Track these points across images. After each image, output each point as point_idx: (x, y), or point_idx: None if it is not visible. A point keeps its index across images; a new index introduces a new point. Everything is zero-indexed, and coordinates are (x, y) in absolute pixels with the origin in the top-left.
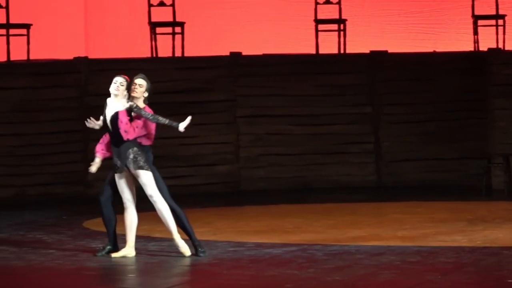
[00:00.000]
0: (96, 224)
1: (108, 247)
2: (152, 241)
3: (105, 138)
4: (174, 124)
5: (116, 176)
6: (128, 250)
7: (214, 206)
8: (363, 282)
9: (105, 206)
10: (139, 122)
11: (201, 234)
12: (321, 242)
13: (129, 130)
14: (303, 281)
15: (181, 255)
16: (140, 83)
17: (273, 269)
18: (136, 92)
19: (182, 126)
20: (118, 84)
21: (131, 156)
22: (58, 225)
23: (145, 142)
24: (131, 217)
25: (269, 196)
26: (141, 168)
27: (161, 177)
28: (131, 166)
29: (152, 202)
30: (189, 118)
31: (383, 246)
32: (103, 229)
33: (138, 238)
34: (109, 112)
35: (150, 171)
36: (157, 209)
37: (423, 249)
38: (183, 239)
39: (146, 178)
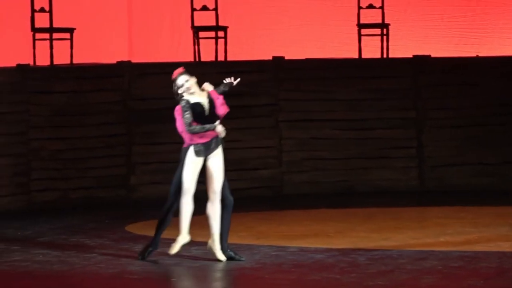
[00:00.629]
0: (138, 228)
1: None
2: (195, 245)
3: None
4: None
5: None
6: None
7: (257, 210)
8: (406, 287)
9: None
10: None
11: (243, 238)
12: (363, 246)
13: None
14: (346, 286)
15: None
16: (188, 77)
17: (316, 274)
18: (192, 85)
19: (219, 128)
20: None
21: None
22: (100, 229)
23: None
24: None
25: (312, 201)
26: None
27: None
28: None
29: (213, 198)
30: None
31: (426, 251)
32: (146, 232)
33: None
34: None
35: None
36: (213, 207)
37: (465, 254)
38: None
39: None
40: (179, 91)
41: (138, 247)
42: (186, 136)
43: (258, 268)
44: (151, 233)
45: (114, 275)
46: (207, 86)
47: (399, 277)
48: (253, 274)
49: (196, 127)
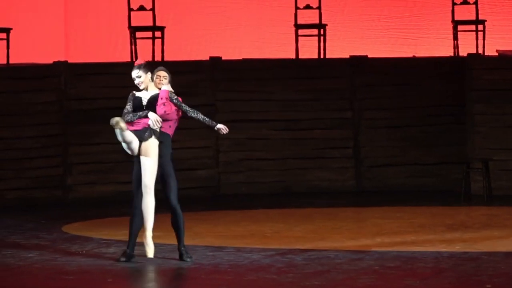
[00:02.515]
0: (75, 229)
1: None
2: None
3: None
4: (213, 123)
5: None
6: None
7: (194, 211)
8: (342, 287)
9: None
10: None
11: None
12: (300, 247)
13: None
14: (282, 286)
15: (146, 258)
16: (164, 75)
17: (252, 274)
18: (163, 84)
19: (219, 126)
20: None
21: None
22: (37, 229)
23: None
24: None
25: (249, 201)
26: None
27: (174, 173)
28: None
29: (143, 192)
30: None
31: (362, 251)
32: (83, 233)
33: (117, 242)
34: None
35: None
36: (144, 201)
37: (402, 254)
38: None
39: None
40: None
41: (75, 248)
42: None
43: (194, 268)
44: (87, 233)
45: (51, 275)
46: (164, 86)
47: (336, 277)
48: (190, 274)
49: (129, 115)
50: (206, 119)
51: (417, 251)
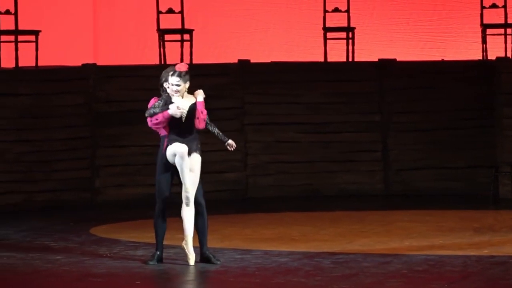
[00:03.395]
0: (103, 231)
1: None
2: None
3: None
4: (225, 138)
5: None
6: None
7: (222, 214)
8: None
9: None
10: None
11: (208, 241)
12: (328, 250)
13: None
14: None
15: (186, 263)
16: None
17: (280, 277)
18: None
19: (230, 142)
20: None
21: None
22: (65, 231)
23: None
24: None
25: (277, 204)
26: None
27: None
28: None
29: (186, 203)
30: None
31: (390, 255)
32: (110, 235)
33: (145, 244)
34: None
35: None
36: (188, 210)
37: (430, 257)
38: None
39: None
40: (165, 85)
41: (103, 250)
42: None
43: (222, 271)
44: (115, 235)
45: (78, 277)
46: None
47: (364, 280)
48: (218, 277)
49: (150, 109)
50: (220, 133)
51: (445, 254)
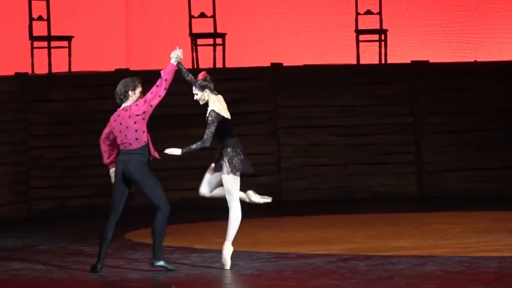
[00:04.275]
0: (138, 236)
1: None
2: (194, 253)
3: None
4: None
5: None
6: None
7: (256, 217)
8: None
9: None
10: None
11: (243, 245)
12: (363, 252)
13: None
14: None
15: (221, 267)
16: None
17: (315, 280)
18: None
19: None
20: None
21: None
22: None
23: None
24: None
25: (311, 207)
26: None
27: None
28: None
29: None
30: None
31: (425, 257)
32: (145, 240)
33: (180, 249)
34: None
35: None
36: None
37: (465, 259)
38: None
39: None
40: (129, 93)
41: (138, 255)
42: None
43: (257, 275)
44: (150, 240)
45: (114, 283)
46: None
47: (399, 282)
48: (253, 281)
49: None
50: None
51: (480, 256)
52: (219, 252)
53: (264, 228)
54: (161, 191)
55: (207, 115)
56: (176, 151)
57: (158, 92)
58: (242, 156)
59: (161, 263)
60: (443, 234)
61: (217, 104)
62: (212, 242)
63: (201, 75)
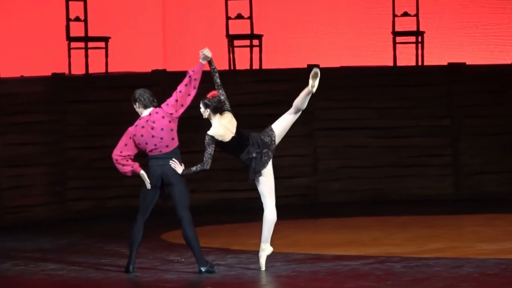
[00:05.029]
0: (174, 237)
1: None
2: (230, 254)
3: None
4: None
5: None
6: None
7: (292, 219)
8: None
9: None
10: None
11: (278, 247)
12: (399, 254)
13: None
14: None
15: (258, 268)
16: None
17: (351, 282)
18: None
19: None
20: None
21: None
22: None
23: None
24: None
25: (347, 209)
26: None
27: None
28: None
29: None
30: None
31: (462, 259)
32: (181, 241)
33: (215, 250)
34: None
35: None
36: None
37: (501, 261)
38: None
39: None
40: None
41: (174, 255)
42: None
43: (293, 276)
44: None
45: (150, 283)
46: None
47: (435, 284)
48: (289, 282)
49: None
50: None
51: None
52: (255, 253)
53: (300, 229)
54: (188, 198)
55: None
56: (178, 169)
57: (187, 91)
58: (260, 157)
59: (206, 267)
60: (480, 236)
61: (216, 126)
62: (248, 244)
63: (210, 94)
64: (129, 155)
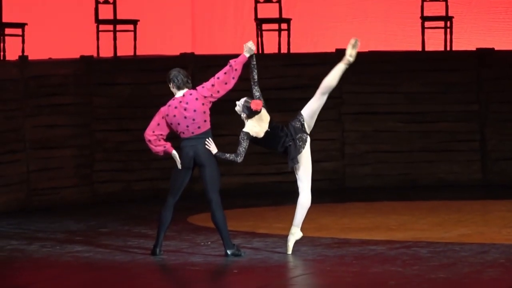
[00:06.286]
0: (200, 220)
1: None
2: (257, 237)
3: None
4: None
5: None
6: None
7: (319, 203)
8: (468, 279)
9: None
10: None
11: (305, 230)
12: (425, 239)
13: None
14: (407, 278)
15: (284, 252)
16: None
17: (377, 266)
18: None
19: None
20: None
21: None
22: None
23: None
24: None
25: (374, 193)
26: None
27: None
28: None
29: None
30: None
31: (488, 244)
32: (208, 224)
33: (242, 233)
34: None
35: None
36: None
37: None
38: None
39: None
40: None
41: (200, 239)
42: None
43: (320, 260)
44: (212, 224)
45: (177, 266)
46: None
47: (462, 270)
48: (315, 266)
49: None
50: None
51: None
52: (281, 237)
53: (327, 214)
54: (219, 181)
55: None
56: (213, 149)
57: (225, 79)
58: (294, 145)
59: (233, 250)
60: (507, 222)
61: (251, 124)
62: (275, 227)
63: (254, 106)
64: (161, 135)
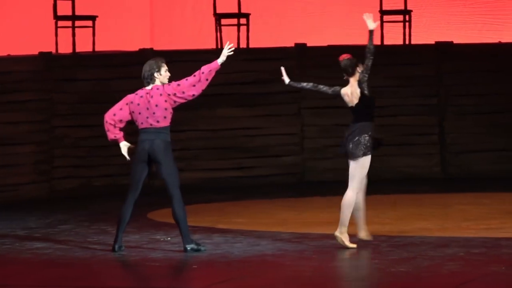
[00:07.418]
0: (160, 216)
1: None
2: (217, 232)
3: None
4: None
5: None
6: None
7: (279, 197)
8: (428, 273)
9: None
10: None
11: (266, 225)
12: (386, 233)
13: None
14: (368, 272)
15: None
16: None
17: (337, 260)
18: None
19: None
20: None
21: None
22: None
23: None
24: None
25: (334, 188)
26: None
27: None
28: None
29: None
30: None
31: (448, 238)
32: (167, 220)
33: (202, 228)
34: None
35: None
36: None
37: (487, 240)
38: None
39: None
40: (155, 75)
41: (160, 234)
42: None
43: (279, 255)
44: (172, 220)
45: (137, 262)
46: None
47: (421, 263)
48: (275, 261)
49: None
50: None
51: (502, 237)
52: (241, 232)
53: (287, 208)
54: (177, 176)
55: None
56: (286, 79)
57: (193, 82)
58: (362, 140)
59: (192, 245)
60: (466, 215)
61: (348, 87)
62: (235, 222)
63: (341, 57)
64: (120, 121)
